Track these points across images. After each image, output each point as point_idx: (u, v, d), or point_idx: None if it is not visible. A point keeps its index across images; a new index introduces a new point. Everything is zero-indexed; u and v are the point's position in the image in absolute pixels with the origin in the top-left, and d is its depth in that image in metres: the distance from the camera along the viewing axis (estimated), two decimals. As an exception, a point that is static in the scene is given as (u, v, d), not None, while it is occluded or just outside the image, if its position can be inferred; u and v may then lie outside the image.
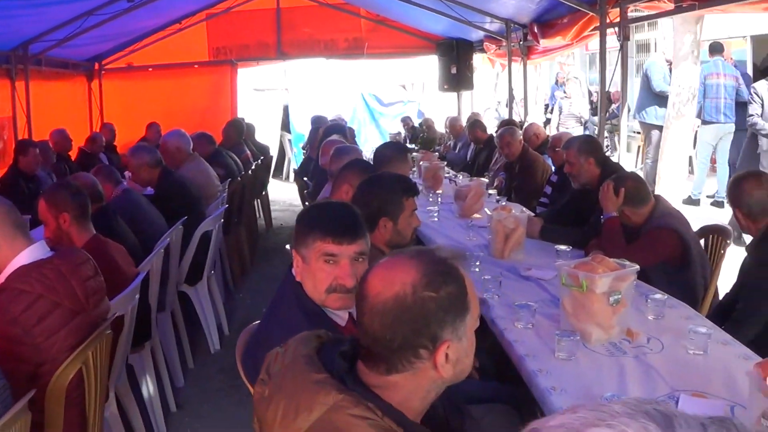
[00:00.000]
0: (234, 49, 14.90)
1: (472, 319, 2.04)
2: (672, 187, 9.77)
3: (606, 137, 14.19)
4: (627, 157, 16.80)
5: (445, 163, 9.83)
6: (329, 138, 7.99)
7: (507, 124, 9.54)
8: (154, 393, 5.20)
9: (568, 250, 5.27)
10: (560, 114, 15.69)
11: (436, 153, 11.16)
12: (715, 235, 5.72)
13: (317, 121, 11.56)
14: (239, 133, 10.99)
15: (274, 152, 15.63)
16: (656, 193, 9.38)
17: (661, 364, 3.49)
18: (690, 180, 12.20)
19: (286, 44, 14.83)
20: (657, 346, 3.71)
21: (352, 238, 2.89)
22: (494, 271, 4.89)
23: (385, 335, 1.95)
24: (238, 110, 14.83)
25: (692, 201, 11.60)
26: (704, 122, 11.52)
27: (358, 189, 4.27)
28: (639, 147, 15.10)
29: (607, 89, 8.31)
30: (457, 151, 11.33)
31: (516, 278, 4.89)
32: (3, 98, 10.79)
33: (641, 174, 12.78)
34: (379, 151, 6.12)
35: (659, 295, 4.24)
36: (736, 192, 4.67)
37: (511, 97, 12.40)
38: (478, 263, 5.02)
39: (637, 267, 3.82)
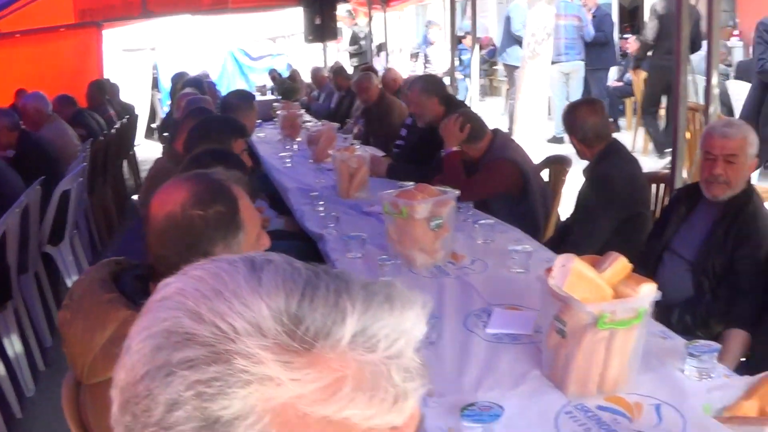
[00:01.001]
0: (100, 10, 14.51)
1: (248, 238, 2.16)
2: (531, 126, 10.05)
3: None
4: (496, 100, 17.20)
5: (303, 111, 9.91)
6: (183, 91, 8.03)
7: (365, 71, 9.67)
8: (20, 352, 5.21)
9: (411, 186, 5.43)
10: (426, 61, 15.85)
11: (297, 103, 11.22)
12: (556, 164, 5.98)
13: (177, 78, 11.54)
14: (102, 93, 10.89)
15: (145, 112, 15.52)
16: (515, 131, 9.76)
17: (482, 282, 3.70)
18: (552, 119, 12.62)
19: (151, 2, 14.60)
20: (481, 267, 3.91)
21: None
22: (337, 209, 5.03)
23: (163, 252, 2.08)
24: (104, 71, 14.56)
25: (556, 140, 11.99)
26: (552, 62, 11.95)
27: (189, 133, 4.36)
28: (506, 89, 15.43)
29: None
30: (321, 101, 11.43)
31: (357, 215, 5.03)
32: None
33: (506, 114, 13.15)
34: (225, 100, 6.24)
35: (487, 220, 4.44)
36: (571, 119, 4.90)
37: (370, 46, 12.54)
38: (321, 203, 5.14)
39: (457, 192, 4.00)
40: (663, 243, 4.09)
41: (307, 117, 9.69)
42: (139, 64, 17.28)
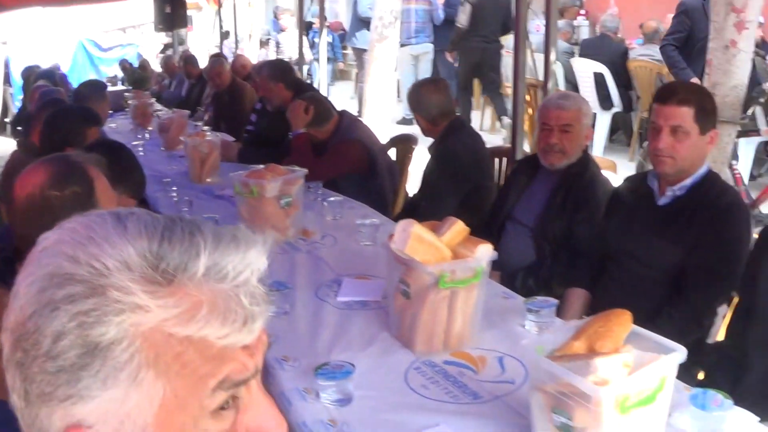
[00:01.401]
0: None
1: None
2: (380, 108, 10.22)
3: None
4: (347, 84, 17.32)
5: (154, 100, 9.84)
6: (36, 84, 7.92)
7: (215, 57, 9.67)
8: None
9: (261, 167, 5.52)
10: (277, 48, 15.85)
11: (148, 92, 11.12)
12: (402, 142, 6.17)
13: (28, 72, 11.30)
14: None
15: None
16: (364, 114, 9.91)
17: (332, 255, 3.84)
18: (401, 102, 12.87)
19: (0, -5, 14.14)
20: (331, 242, 4.05)
21: None
22: (190, 194, 5.07)
23: (25, 232, 2.15)
24: None
25: (406, 121, 12.23)
26: (401, 45, 12.19)
27: (44, 124, 4.36)
28: (356, 73, 15.57)
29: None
30: (172, 89, 11.35)
31: (210, 199, 5.07)
32: None
33: (356, 98, 13.31)
34: (78, 90, 6.24)
35: (336, 198, 4.58)
36: (416, 98, 5.07)
37: (222, 33, 12.52)
38: (174, 189, 5.16)
39: (305, 171, 4.12)
40: (505, 212, 4.29)
41: (159, 106, 9.61)
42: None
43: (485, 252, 2.71)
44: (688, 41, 8.19)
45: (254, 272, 0.98)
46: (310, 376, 2.50)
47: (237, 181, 4.00)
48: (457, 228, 2.75)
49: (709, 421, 2.14)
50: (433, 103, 4.96)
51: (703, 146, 3.29)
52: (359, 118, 6.04)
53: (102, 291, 0.88)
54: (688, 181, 3.32)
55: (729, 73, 4.93)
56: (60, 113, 4.51)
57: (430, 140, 5.08)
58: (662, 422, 2.00)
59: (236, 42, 12.07)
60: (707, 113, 3.27)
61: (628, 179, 3.77)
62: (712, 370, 2.85)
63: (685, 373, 2.32)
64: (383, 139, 6.17)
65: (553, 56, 5.35)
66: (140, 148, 6.83)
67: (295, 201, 4.04)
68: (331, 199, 4.57)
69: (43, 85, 7.53)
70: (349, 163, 5.43)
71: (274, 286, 3.17)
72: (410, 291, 2.72)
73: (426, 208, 4.83)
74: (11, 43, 17.43)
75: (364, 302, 3.23)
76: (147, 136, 7.53)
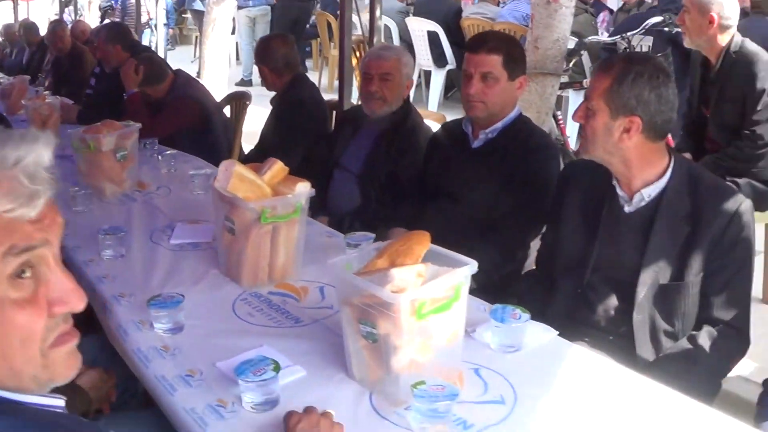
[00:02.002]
0: None
1: None
2: (218, 70, 10.11)
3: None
4: (188, 48, 17.02)
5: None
6: None
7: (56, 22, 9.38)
8: None
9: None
10: (125, 14, 15.37)
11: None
12: (237, 100, 6.18)
13: None
14: None
15: None
16: (203, 76, 9.80)
17: (166, 203, 3.86)
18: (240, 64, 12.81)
19: None
20: (165, 192, 4.06)
21: None
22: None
23: None
24: None
25: (245, 82, 12.18)
26: (238, 8, 12.08)
27: None
28: (196, 37, 15.31)
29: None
30: (13, 57, 10.95)
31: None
32: None
33: (197, 61, 13.10)
34: None
35: (170, 152, 4.57)
36: (264, 49, 5.06)
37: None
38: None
39: (138, 125, 4.08)
40: (333, 160, 4.35)
41: (0, 74, 9.26)
42: None
43: (304, 189, 2.78)
44: None
45: (36, 159, 1.15)
46: (144, 309, 2.53)
47: (75, 137, 3.94)
48: (277, 167, 2.81)
49: (508, 333, 2.29)
50: (281, 55, 4.98)
51: (513, 91, 3.40)
52: (195, 78, 5.98)
53: None
54: (499, 125, 3.42)
55: (550, 27, 5.03)
56: None
57: (264, 98, 5.09)
58: (459, 330, 2.10)
59: (75, 10, 11.68)
60: (515, 60, 3.37)
61: (445, 125, 3.87)
62: (524, 296, 2.95)
63: (500, 301, 2.44)
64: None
65: (378, 13, 5.42)
66: (-20, 112, 6.58)
67: (131, 154, 4.01)
68: (167, 153, 4.55)
69: None
70: (184, 120, 5.40)
71: (110, 230, 3.17)
72: (235, 228, 2.77)
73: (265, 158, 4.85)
74: None
75: (196, 244, 3.27)
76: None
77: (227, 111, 6.21)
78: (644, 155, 2.56)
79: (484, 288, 3.22)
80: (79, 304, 1.24)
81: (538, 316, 2.59)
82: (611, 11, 10.31)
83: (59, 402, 1.29)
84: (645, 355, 2.59)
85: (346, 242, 2.98)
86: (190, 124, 5.41)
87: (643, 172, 2.59)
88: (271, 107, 5.19)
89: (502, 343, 2.29)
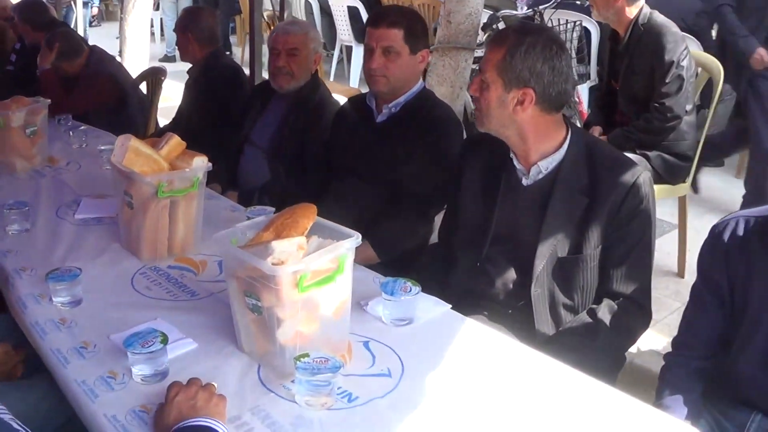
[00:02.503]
0: None
1: None
2: (139, 46, 9.88)
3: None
4: (113, 25, 16.63)
5: None
6: None
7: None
8: None
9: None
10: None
11: None
12: (153, 75, 6.04)
13: None
14: None
15: None
16: (125, 52, 9.57)
17: (75, 179, 3.73)
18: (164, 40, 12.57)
19: None
20: (75, 167, 3.93)
21: None
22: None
23: None
24: None
25: (168, 58, 11.96)
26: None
27: None
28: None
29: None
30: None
31: None
32: None
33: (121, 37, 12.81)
34: None
35: (82, 128, 4.45)
36: (192, 18, 4.89)
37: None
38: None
39: (48, 101, 3.96)
40: (243, 135, 4.27)
41: None
42: None
43: (201, 164, 2.72)
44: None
45: None
46: (44, 283, 2.46)
47: (-14, 115, 3.81)
48: (174, 142, 2.74)
49: (398, 306, 2.24)
50: (206, 26, 4.84)
51: (415, 65, 3.31)
52: (110, 54, 5.82)
53: None
54: (401, 99, 3.34)
55: (462, 2, 4.87)
56: None
57: (181, 74, 4.96)
58: (346, 303, 2.06)
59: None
60: (416, 34, 3.27)
61: (351, 99, 3.76)
62: (425, 270, 2.88)
63: (403, 276, 2.38)
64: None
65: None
66: None
67: (40, 130, 3.88)
68: (79, 128, 4.42)
69: None
70: (99, 96, 5.25)
71: (15, 205, 3.07)
72: (133, 202, 2.70)
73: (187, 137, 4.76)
74: None
75: (100, 218, 3.17)
76: None
77: (143, 87, 6.07)
78: (540, 127, 2.48)
79: (389, 263, 3.21)
80: None
81: (438, 290, 2.58)
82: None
83: None
84: (544, 329, 2.53)
85: (246, 216, 2.92)
86: (106, 100, 5.27)
87: (540, 145, 2.52)
88: (186, 83, 5.08)
89: (393, 317, 2.25)
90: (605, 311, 2.45)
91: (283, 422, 1.80)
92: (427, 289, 2.41)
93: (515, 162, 2.59)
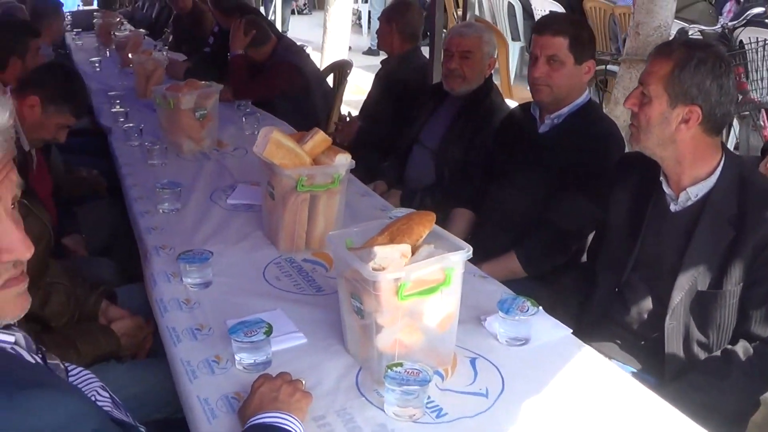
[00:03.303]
0: None
1: None
2: (340, 37, 10.19)
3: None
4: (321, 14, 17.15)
5: (124, 20, 9.69)
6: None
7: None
8: None
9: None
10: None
11: (117, 12, 10.95)
12: (339, 68, 6.22)
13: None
14: None
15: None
16: (326, 42, 9.88)
17: (236, 164, 3.91)
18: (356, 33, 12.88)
19: None
20: (241, 153, 4.11)
21: None
22: (132, 107, 5.10)
23: None
24: None
25: (372, 52, 12.21)
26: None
27: None
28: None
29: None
30: (144, 11, 11.22)
31: (149, 112, 4.95)
32: None
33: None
34: (33, 7, 6.22)
35: (255, 114, 4.64)
36: (402, 10, 5.01)
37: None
38: (118, 102, 5.18)
39: (220, 86, 4.15)
40: (413, 135, 4.33)
41: (129, 26, 9.51)
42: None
43: (343, 161, 2.77)
44: None
45: None
46: (176, 262, 2.59)
47: (157, 94, 4.05)
48: (319, 138, 2.81)
49: (513, 326, 2.20)
50: (411, 22, 4.96)
51: (580, 76, 3.25)
52: (299, 45, 6.02)
53: None
54: (565, 110, 3.29)
55: (652, 13, 4.83)
56: (3, 27, 4.56)
57: (370, 69, 5.07)
58: (453, 316, 2.04)
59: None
60: (582, 44, 3.22)
61: (518, 108, 3.75)
62: (567, 289, 2.86)
63: (549, 292, 2.36)
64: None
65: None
66: (97, 65, 6.82)
67: (210, 114, 4.08)
68: (254, 114, 4.62)
69: (6, 0, 7.44)
70: (282, 84, 5.43)
71: (167, 185, 3.25)
72: (275, 193, 2.79)
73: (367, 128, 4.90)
74: None
75: (251, 205, 3.30)
76: (108, 53, 7.49)
77: (330, 79, 6.26)
78: (698, 150, 2.38)
79: (538, 278, 3.18)
80: (25, 253, 1.32)
81: (577, 311, 2.53)
82: (738, 1, 9.83)
83: (8, 337, 1.37)
84: (674, 364, 2.44)
85: (388, 217, 2.96)
86: (288, 89, 5.43)
87: (694, 169, 2.41)
88: (376, 74, 5.22)
89: (508, 336, 2.21)
90: (740, 353, 2.32)
91: (365, 428, 1.81)
92: (565, 309, 2.37)
93: (665, 186, 2.50)
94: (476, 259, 3.06)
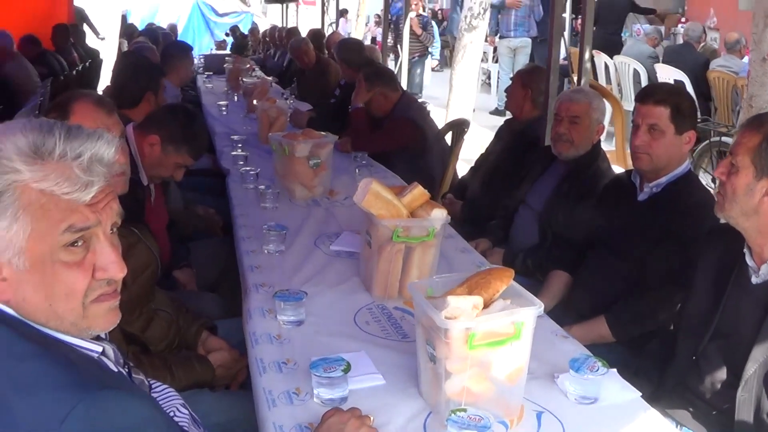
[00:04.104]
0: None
1: None
2: (464, 95, 10.39)
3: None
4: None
5: (255, 66, 10.16)
6: (135, 40, 8.41)
7: (313, 34, 10.00)
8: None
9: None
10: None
11: (249, 58, 11.47)
12: (457, 127, 6.41)
13: (131, 29, 11.87)
14: (65, 37, 11.31)
15: (111, 57, 15.83)
16: (451, 100, 10.09)
17: (344, 213, 4.13)
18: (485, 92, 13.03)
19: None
20: (351, 203, 4.27)
21: None
22: (252, 151, 5.43)
23: None
24: (74, 16, 14.60)
25: (498, 112, 12.37)
26: (500, 37, 12.34)
27: (122, 73, 4.81)
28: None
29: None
30: (275, 59, 11.71)
31: (265, 156, 5.29)
32: None
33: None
34: (165, 49, 6.66)
35: (371, 167, 4.86)
36: (535, 76, 5.16)
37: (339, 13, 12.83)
38: (240, 145, 5.51)
39: (335, 137, 4.39)
40: (520, 196, 4.46)
41: (260, 73, 9.98)
42: (108, 11, 17.37)
43: (439, 215, 2.94)
44: None
45: (94, 155, 1.49)
46: (272, 300, 2.81)
47: (274, 141, 4.32)
48: (417, 191, 2.99)
49: (582, 384, 2.30)
50: (542, 89, 5.11)
51: (680, 146, 3.33)
52: (420, 102, 6.25)
53: None
54: (663, 179, 3.36)
55: (766, 86, 4.85)
56: (140, 65, 4.97)
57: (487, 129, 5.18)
58: (522, 369, 2.15)
59: (335, 18, 12.34)
60: (683, 114, 3.30)
61: (621, 174, 3.84)
62: (651, 354, 2.94)
63: (636, 358, 2.45)
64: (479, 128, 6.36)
65: (587, 55, 5.44)
66: (224, 109, 7.22)
67: (324, 163, 4.31)
68: (367, 167, 4.85)
69: (141, 41, 7.98)
70: (399, 140, 5.64)
71: (273, 227, 3.48)
72: (372, 241, 2.98)
73: (487, 192, 5.02)
74: None
75: (352, 252, 3.49)
76: (236, 98, 7.90)
77: (449, 137, 6.44)
78: None
79: (626, 343, 3.26)
80: (118, 273, 1.56)
81: (657, 376, 2.61)
82: None
83: (96, 347, 1.59)
84: None
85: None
86: (406, 144, 5.63)
87: None
88: (497, 132, 5.39)
89: (576, 394, 2.31)
90: None
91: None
92: (647, 374, 2.45)
93: (748, 258, 2.56)
94: (568, 321, 3.20)
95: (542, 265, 3.93)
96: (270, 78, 8.69)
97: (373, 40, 16.67)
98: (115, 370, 1.65)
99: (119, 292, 1.60)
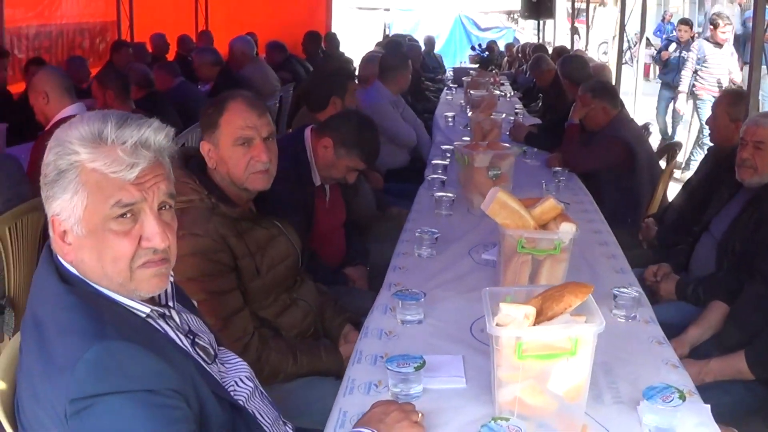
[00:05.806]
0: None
1: (223, 137, 2.89)
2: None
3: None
4: None
5: (488, 79, 10.18)
6: (370, 51, 8.82)
7: (557, 53, 9.97)
8: None
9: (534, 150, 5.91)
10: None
11: (493, 72, 11.55)
12: (669, 150, 6.23)
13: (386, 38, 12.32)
14: (315, 44, 11.95)
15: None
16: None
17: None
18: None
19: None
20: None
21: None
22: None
23: None
24: (332, 25, 15.29)
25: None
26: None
27: (314, 79, 5.14)
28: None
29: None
30: (527, 75, 11.73)
31: None
32: (108, 3, 11.58)
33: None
34: (383, 59, 6.88)
35: (554, 182, 4.84)
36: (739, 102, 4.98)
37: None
38: (449, 155, 5.64)
39: (517, 150, 4.45)
40: (704, 223, 4.29)
41: (507, 89, 10.07)
42: (371, 23, 18.08)
43: (567, 230, 2.92)
44: None
45: (139, 140, 1.73)
46: (394, 300, 2.93)
47: (458, 151, 4.42)
48: (548, 204, 2.98)
49: (655, 413, 2.21)
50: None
51: None
52: (638, 123, 6.10)
53: (64, 144, 1.72)
54: None
55: None
56: (328, 71, 5.29)
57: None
58: (581, 387, 2.12)
59: (607, 41, 12.15)
60: None
61: None
62: None
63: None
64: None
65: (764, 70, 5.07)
66: (450, 120, 7.41)
67: (505, 174, 4.35)
68: (556, 182, 4.83)
69: (377, 51, 8.28)
70: (607, 158, 5.55)
71: (427, 232, 3.58)
72: (500, 252, 3.01)
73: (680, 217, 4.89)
74: (393, 10, 18.63)
75: (500, 262, 3.53)
76: (469, 111, 8.05)
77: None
78: None
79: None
80: (160, 244, 1.77)
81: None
82: None
83: (144, 308, 1.82)
84: None
85: (613, 293, 3.02)
86: (614, 164, 5.53)
87: None
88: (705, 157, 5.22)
89: (650, 423, 2.23)
90: None
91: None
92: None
93: None
94: (715, 354, 3.09)
95: (712, 293, 3.76)
96: (514, 93, 8.74)
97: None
98: (164, 332, 1.86)
99: (168, 261, 1.82)
